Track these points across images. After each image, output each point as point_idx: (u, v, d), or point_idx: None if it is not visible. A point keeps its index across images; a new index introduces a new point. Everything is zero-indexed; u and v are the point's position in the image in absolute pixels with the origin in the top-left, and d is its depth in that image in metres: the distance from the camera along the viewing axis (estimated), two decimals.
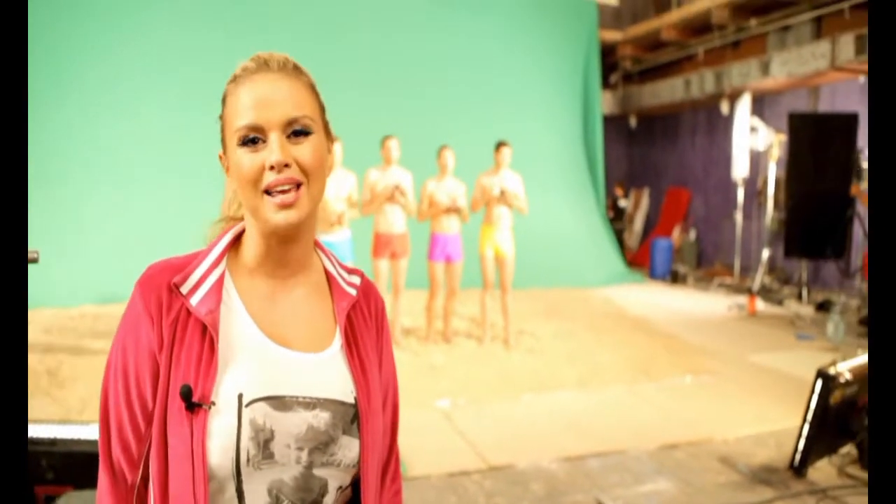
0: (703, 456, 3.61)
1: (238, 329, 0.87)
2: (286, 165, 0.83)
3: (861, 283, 7.44)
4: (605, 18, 11.57)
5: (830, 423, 3.33)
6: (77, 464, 2.03)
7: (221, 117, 0.89)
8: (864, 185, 6.83)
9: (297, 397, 0.85)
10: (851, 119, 7.53)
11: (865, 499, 3.02)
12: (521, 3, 9.72)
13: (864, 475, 3.29)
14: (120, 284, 6.23)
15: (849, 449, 3.50)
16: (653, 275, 10.31)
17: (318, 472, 0.86)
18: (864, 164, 6.95)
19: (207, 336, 0.84)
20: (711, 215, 11.32)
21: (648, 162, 13.25)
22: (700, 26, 10.19)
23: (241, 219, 0.95)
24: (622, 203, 11.93)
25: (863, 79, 8.24)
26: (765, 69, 8.73)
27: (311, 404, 0.86)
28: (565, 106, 10.10)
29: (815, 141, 7.71)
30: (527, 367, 5.16)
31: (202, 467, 0.80)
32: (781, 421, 4.03)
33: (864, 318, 6.67)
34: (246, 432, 0.82)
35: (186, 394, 0.81)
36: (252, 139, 0.84)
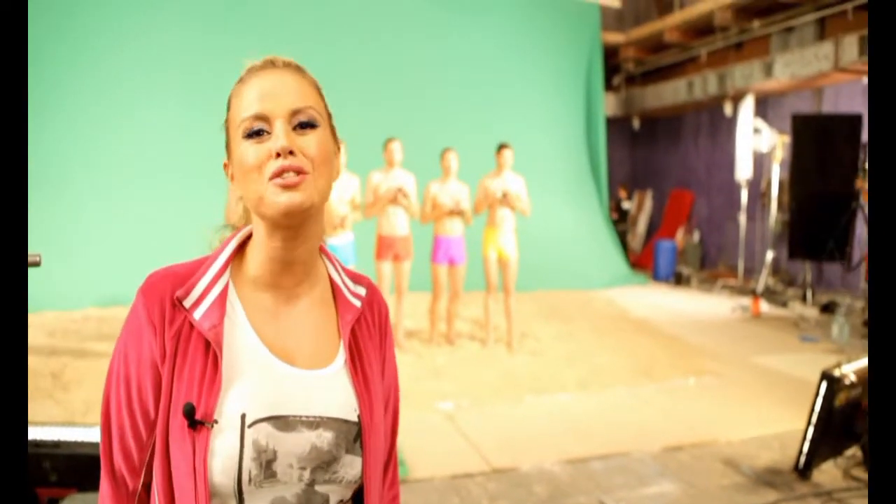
0: (707, 458, 3.60)
1: (242, 344, 0.85)
2: (291, 153, 0.82)
3: (865, 283, 7.41)
4: (608, 20, 11.57)
5: (835, 426, 3.31)
6: (80, 466, 2.03)
7: (226, 122, 0.88)
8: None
9: (300, 416, 0.84)
10: (855, 120, 7.51)
11: None
12: (524, 5, 9.73)
13: None
14: (123, 287, 6.24)
15: (854, 451, 3.48)
16: (656, 277, 10.29)
17: (319, 488, 0.85)
18: None
19: (211, 352, 0.83)
20: (715, 217, 11.30)
21: (651, 164, 13.23)
22: (703, 28, 10.18)
23: (243, 227, 0.93)
24: (625, 205, 11.93)
25: (866, 80, 8.22)
26: (768, 71, 8.72)
27: (315, 423, 0.85)
28: (568, 108, 10.09)
29: (818, 142, 7.69)
30: (530, 369, 5.15)
31: (204, 485, 0.80)
32: (786, 423, 4.02)
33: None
34: (248, 453, 0.81)
35: (189, 412, 0.80)
36: (257, 130, 0.83)
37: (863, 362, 3.48)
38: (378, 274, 5.33)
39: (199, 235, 0.96)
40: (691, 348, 5.95)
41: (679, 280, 9.87)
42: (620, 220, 11.63)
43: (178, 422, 0.81)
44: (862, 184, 7.03)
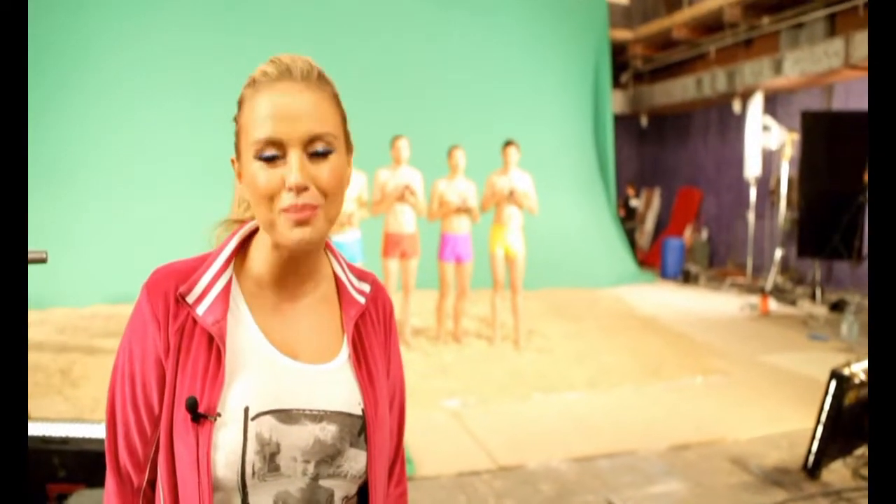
0: (715, 457, 3.58)
1: (245, 339, 0.85)
2: (305, 188, 0.79)
3: None
4: (616, 17, 11.53)
5: (844, 425, 3.29)
6: (89, 462, 2.05)
7: (236, 120, 0.86)
8: None
9: (304, 410, 0.84)
10: (865, 118, 7.44)
11: None
12: (532, 2, 9.70)
13: None
14: (131, 284, 6.24)
15: (863, 451, 3.45)
16: (664, 275, 10.26)
17: (324, 483, 0.85)
18: None
19: (214, 346, 0.83)
20: (723, 215, 11.24)
21: (660, 161, 13.18)
22: (712, 25, 10.12)
23: (248, 220, 0.93)
24: (633, 203, 11.88)
25: None
26: (777, 68, 8.66)
27: (319, 417, 0.85)
28: (576, 106, 10.06)
29: (828, 140, 7.64)
30: (537, 367, 5.14)
31: (207, 478, 0.79)
32: (794, 422, 3.99)
33: None
34: (252, 446, 0.81)
35: (192, 406, 0.80)
36: (270, 155, 0.80)
37: None
38: (385, 271, 5.33)
39: (205, 232, 0.96)
40: (699, 347, 5.93)
41: (687, 278, 9.83)
42: (628, 218, 11.59)
43: (182, 416, 0.81)
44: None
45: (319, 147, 0.81)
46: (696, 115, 12.00)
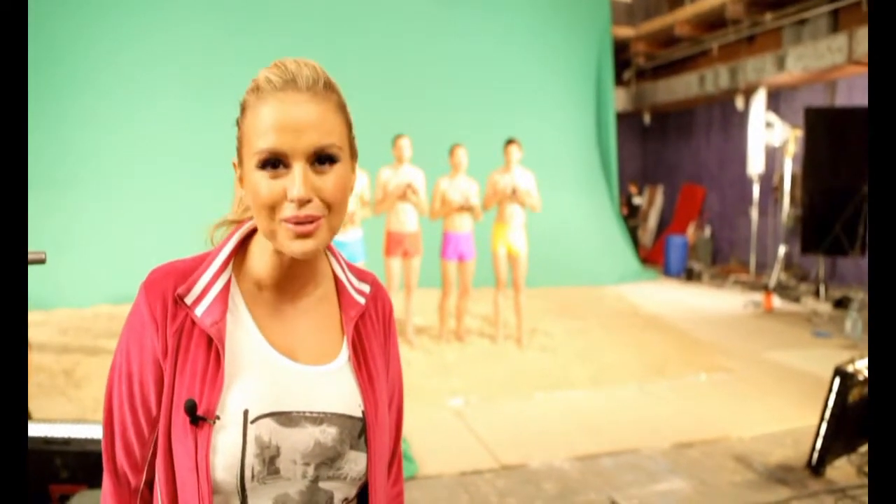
0: (719, 455, 3.57)
1: (244, 340, 0.85)
2: (308, 200, 0.78)
3: None
4: (618, 15, 11.50)
5: (849, 422, 3.28)
6: (91, 463, 2.05)
7: (238, 125, 0.84)
8: None
9: (303, 412, 0.83)
10: None
11: None
12: (534, 1, 9.68)
13: None
14: (133, 284, 6.12)
15: (868, 448, 3.44)
16: (667, 272, 10.24)
17: (324, 485, 0.85)
18: None
19: (213, 348, 0.82)
20: (727, 212, 11.21)
21: (663, 159, 13.15)
22: (714, 21, 10.09)
23: (247, 220, 0.92)
24: (636, 200, 11.86)
25: None
26: (780, 64, 8.63)
27: (319, 419, 0.84)
28: (578, 103, 10.04)
29: (831, 136, 7.61)
30: (540, 365, 5.13)
31: (206, 481, 0.79)
32: (798, 419, 3.98)
33: None
34: (251, 449, 0.80)
35: (191, 408, 0.80)
36: (272, 163, 0.79)
37: None
38: (387, 270, 5.33)
39: (205, 231, 0.96)
40: (703, 344, 5.91)
41: (690, 276, 9.81)
42: (631, 216, 11.57)
43: (180, 418, 0.81)
44: None
45: (324, 158, 0.80)
46: (698, 111, 11.97)
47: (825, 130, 7.66)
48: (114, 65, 7.53)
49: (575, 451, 3.59)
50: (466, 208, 5.31)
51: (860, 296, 7.30)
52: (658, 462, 3.49)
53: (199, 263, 0.87)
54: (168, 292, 0.84)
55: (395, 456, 1.02)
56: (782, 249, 8.51)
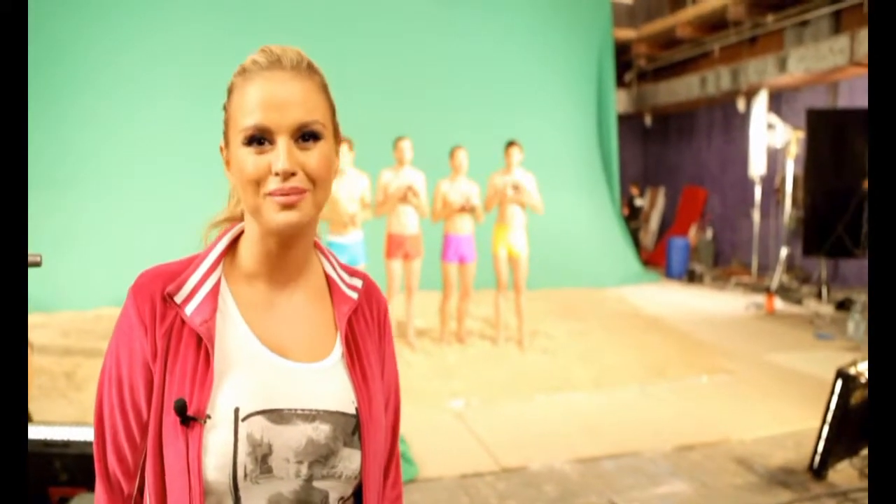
0: (720, 457, 3.56)
1: (235, 339, 0.84)
2: (293, 174, 0.80)
3: None
4: (620, 16, 11.50)
5: (851, 425, 3.27)
6: (90, 466, 2.03)
7: (225, 108, 0.86)
8: None
9: (295, 410, 0.83)
10: None
11: None
12: (535, 2, 9.68)
13: None
14: None
15: None
16: (669, 274, 10.22)
17: (318, 484, 0.84)
18: None
19: (203, 347, 0.82)
20: (728, 214, 11.20)
21: (664, 160, 13.14)
22: (716, 23, 10.09)
23: (239, 219, 0.92)
24: (638, 202, 11.85)
25: None
26: (782, 65, 8.62)
27: (311, 416, 0.83)
28: (579, 105, 10.04)
29: (833, 138, 7.60)
30: (540, 367, 5.12)
31: (198, 482, 0.78)
32: (800, 422, 3.97)
33: None
34: (243, 448, 0.79)
35: (181, 408, 0.79)
36: (258, 139, 0.81)
37: None
38: (388, 272, 5.32)
39: (198, 232, 0.96)
40: (704, 346, 5.90)
41: (692, 278, 9.80)
42: (633, 218, 11.56)
43: (171, 420, 0.80)
44: None
45: (307, 134, 0.82)
46: (700, 113, 11.97)
47: (827, 132, 7.66)
48: (114, 65, 7.54)
49: (576, 453, 3.58)
50: (468, 209, 5.31)
51: (862, 298, 7.28)
52: (659, 464, 3.48)
53: (188, 265, 0.87)
54: (157, 294, 0.84)
55: (393, 458, 1.01)
56: (784, 251, 8.49)
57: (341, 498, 0.87)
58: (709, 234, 11.39)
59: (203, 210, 1.01)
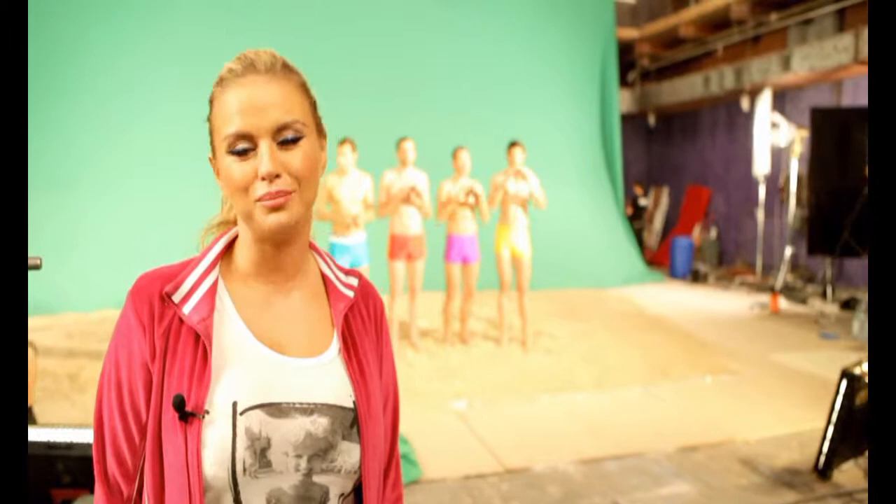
0: (724, 458, 3.55)
1: (232, 336, 0.85)
2: (277, 176, 0.81)
3: None
4: (622, 16, 11.48)
5: (856, 425, 3.25)
6: (93, 468, 2.04)
7: (209, 119, 0.87)
8: None
9: (293, 403, 0.83)
10: None
11: None
12: (538, 2, 9.67)
13: None
14: None
15: None
16: (673, 274, 10.20)
17: (318, 479, 0.84)
18: None
19: (200, 344, 0.83)
20: (732, 213, 11.17)
21: (668, 160, 13.12)
22: (719, 22, 10.06)
23: (233, 223, 0.93)
24: (642, 202, 11.82)
25: None
26: (786, 64, 8.59)
27: (309, 410, 0.84)
28: (582, 105, 10.02)
29: (838, 136, 7.58)
30: (544, 368, 5.11)
31: (197, 478, 0.78)
32: (805, 422, 3.95)
33: None
34: (241, 441, 0.80)
35: (179, 403, 0.79)
36: (242, 148, 0.82)
37: None
38: (391, 273, 5.32)
39: (198, 236, 0.97)
40: (708, 346, 5.88)
41: (696, 277, 9.77)
42: (636, 218, 11.53)
43: (170, 417, 0.81)
44: None
45: (289, 135, 0.83)
46: (703, 113, 11.94)
47: (831, 131, 7.63)
48: (115, 67, 7.55)
49: (579, 454, 3.57)
50: (472, 196, 5.24)
51: (868, 297, 7.26)
52: (663, 465, 3.46)
53: (185, 267, 0.88)
54: (155, 295, 0.85)
55: (393, 459, 1.02)
56: (789, 250, 8.46)
57: (341, 494, 0.87)
58: (713, 233, 11.36)
59: (204, 211, 1.02)
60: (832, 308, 7.50)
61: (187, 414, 0.79)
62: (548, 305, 7.37)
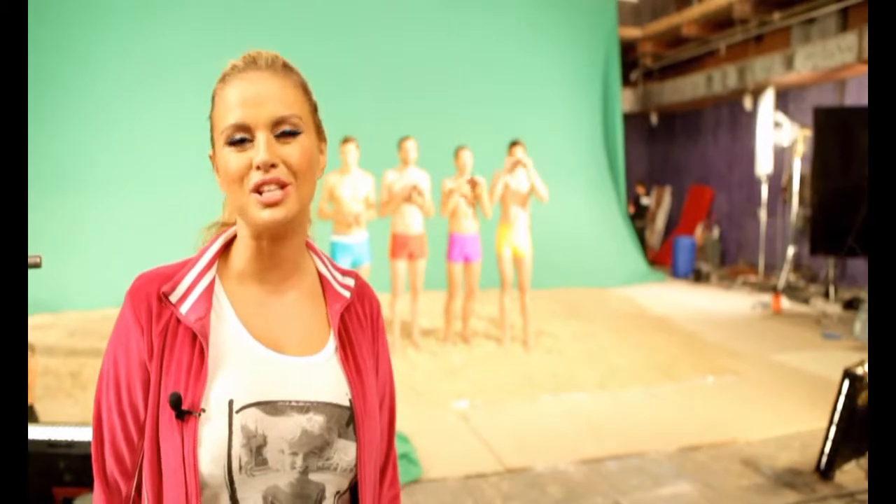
0: (725, 458, 3.54)
1: (228, 335, 0.86)
2: (273, 165, 0.82)
3: None
4: (625, 15, 11.46)
5: (858, 425, 3.24)
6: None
7: (210, 117, 0.88)
8: None
9: (289, 401, 0.84)
10: None
11: None
12: (540, 1, 9.66)
13: None
14: None
15: None
16: (675, 274, 10.18)
17: (314, 476, 0.84)
18: None
19: (197, 344, 0.83)
20: (735, 213, 11.15)
21: (670, 159, 13.10)
22: (722, 21, 10.03)
23: (233, 223, 0.94)
24: (644, 201, 11.81)
25: None
26: (789, 63, 8.57)
27: (305, 408, 0.84)
28: (585, 104, 10.01)
29: (841, 136, 7.55)
30: (545, 367, 5.11)
31: (194, 476, 0.79)
32: (807, 422, 3.94)
33: None
34: (237, 439, 0.80)
35: (176, 402, 0.80)
36: (239, 139, 0.83)
37: None
38: (393, 272, 5.32)
39: (197, 235, 0.97)
40: (710, 346, 5.87)
41: (698, 277, 9.75)
42: (639, 217, 11.51)
43: (167, 415, 0.81)
44: None
45: (286, 128, 0.84)
46: (706, 112, 11.91)
47: (834, 130, 7.61)
48: (116, 68, 7.56)
49: (580, 454, 3.57)
50: (473, 182, 5.21)
51: None
52: (664, 466, 3.46)
53: (182, 267, 0.89)
54: (152, 295, 0.85)
55: (390, 457, 1.02)
56: (791, 250, 8.44)
57: (338, 492, 0.87)
58: (715, 233, 11.34)
59: (206, 211, 1.02)
60: (835, 308, 7.48)
61: (183, 412, 0.80)
62: (549, 305, 7.36)
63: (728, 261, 11.17)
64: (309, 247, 0.96)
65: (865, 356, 3.80)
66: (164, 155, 7.54)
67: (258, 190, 0.82)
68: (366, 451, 0.88)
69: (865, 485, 3.19)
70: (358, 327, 0.95)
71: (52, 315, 6.31)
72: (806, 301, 7.83)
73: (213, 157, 0.89)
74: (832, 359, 5.21)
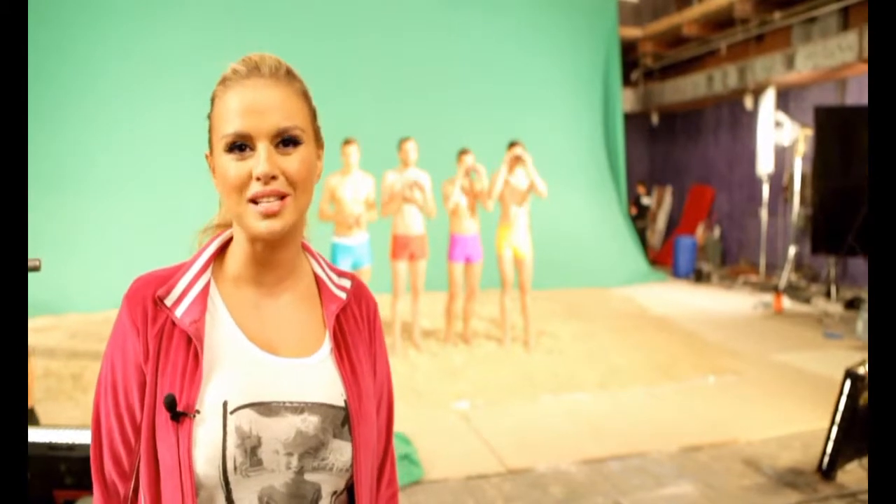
0: (727, 458, 3.54)
1: (223, 337, 0.86)
2: (273, 177, 0.82)
3: None
4: (625, 15, 11.46)
5: (860, 425, 3.24)
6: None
7: (209, 117, 0.88)
8: None
9: (284, 402, 0.84)
10: None
11: None
12: (540, 1, 9.65)
13: None
14: None
15: None
16: (676, 273, 10.18)
17: (309, 477, 0.85)
18: None
19: (192, 346, 0.84)
20: (736, 212, 11.14)
21: (671, 159, 13.09)
22: (722, 20, 10.03)
23: (229, 226, 0.94)
24: (645, 201, 11.80)
25: None
26: (789, 63, 8.56)
27: (299, 409, 0.85)
28: (585, 104, 10.01)
29: (842, 135, 7.54)
30: (546, 368, 5.11)
31: (190, 477, 0.79)
32: (808, 422, 3.94)
33: None
34: (232, 440, 0.81)
35: (171, 403, 0.80)
36: (239, 146, 0.83)
37: None
38: (394, 273, 5.32)
39: (194, 238, 0.97)
40: (711, 346, 5.87)
41: (699, 277, 9.74)
42: (639, 217, 11.51)
43: (163, 417, 0.82)
44: None
45: (287, 139, 0.83)
46: (707, 112, 11.91)
47: (835, 129, 7.60)
48: (116, 69, 7.56)
49: (582, 454, 3.56)
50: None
51: None
52: (665, 465, 3.46)
53: (178, 270, 0.89)
54: (148, 298, 0.86)
55: (387, 457, 1.02)
56: (792, 250, 8.43)
57: (334, 492, 0.88)
58: (716, 232, 11.33)
59: (206, 212, 1.02)
60: (836, 307, 7.47)
61: (178, 414, 0.80)
62: (550, 305, 7.36)
63: (729, 260, 11.17)
64: (305, 248, 0.96)
65: (867, 356, 3.79)
66: (164, 155, 7.53)
67: (256, 200, 0.82)
68: (362, 451, 0.88)
69: (867, 485, 3.19)
70: (354, 328, 0.95)
71: (53, 317, 6.32)
72: (807, 300, 7.82)
73: (209, 157, 0.89)
74: (834, 358, 5.20)
